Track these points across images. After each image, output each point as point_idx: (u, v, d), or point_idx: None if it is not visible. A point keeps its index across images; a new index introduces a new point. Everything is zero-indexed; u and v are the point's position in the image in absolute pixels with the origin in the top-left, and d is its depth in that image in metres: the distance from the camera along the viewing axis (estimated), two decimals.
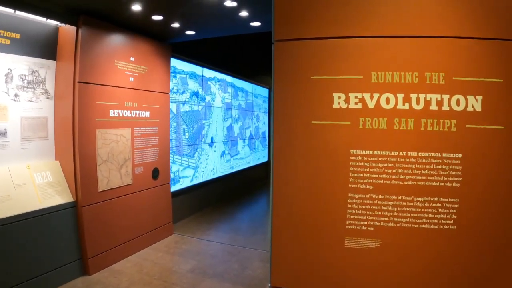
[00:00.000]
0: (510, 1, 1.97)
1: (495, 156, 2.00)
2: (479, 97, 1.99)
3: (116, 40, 4.67)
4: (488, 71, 1.99)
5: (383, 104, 2.10)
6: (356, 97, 2.13)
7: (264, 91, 11.13)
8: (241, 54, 8.02)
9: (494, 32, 1.99)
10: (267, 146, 11.54)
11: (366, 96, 2.12)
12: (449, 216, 2.04)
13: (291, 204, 2.26)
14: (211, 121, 7.78)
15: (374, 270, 2.16)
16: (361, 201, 2.15)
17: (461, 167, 2.02)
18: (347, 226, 2.18)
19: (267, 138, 11.54)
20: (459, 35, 2.01)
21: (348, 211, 2.17)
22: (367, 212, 2.15)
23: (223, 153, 8.40)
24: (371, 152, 2.12)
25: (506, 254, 2.03)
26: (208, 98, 7.58)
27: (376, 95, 2.11)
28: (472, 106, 2.00)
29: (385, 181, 2.11)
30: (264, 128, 11.27)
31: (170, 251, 5.17)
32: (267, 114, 11.54)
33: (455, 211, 2.04)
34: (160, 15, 4.35)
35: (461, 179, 2.02)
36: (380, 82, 2.10)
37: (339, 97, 2.15)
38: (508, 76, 1.98)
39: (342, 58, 2.15)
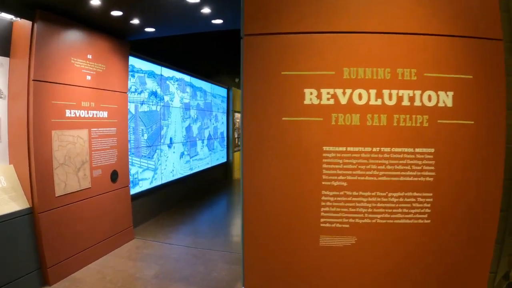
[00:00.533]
0: None
1: (466, 150, 2.05)
2: (450, 93, 2.03)
3: (73, 37, 4.43)
4: (459, 68, 2.03)
5: (355, 100, 2.09)
6: (328, 93, 2.11)
7: (222, 91, 11.05)
8: (201, 53, 7.91)
9: (463, 29, 2.03)
10: (225, 147, 11.47)
11: (339, 92, 2.10)
12: (423, 210, 2.07)
13: (263, 204, 2.20)
14: (170, 121, 7.60)
15: (350, 268, 2.15)
16: (335, 198, 2.13)
17: (434, 162, 2.05)
18: (321, 224, 2.15)
19: (225, 139, 11.46)
20: (430, 32, 2.04)
21: (322, 209, 2.14)
22: (342, 209, 2.13)
23: (182, 154, 8.25)
24: (344, 149, 2.11)
25: (479, 246, 2.08)
26: (166, 98, 7.42)
27: (348, 91, 2.09)
28: (444, 102, 2.03)
29: (359, 178, 2.10)
30: (222, 128, 11.18)
31: (132, 257, 4.99)
32: (226, 114, 11.46)
33: (429, 205, 2.06)
34: (120, 10, 4.19)
35: (434, 173, 2.05)
36: (352, 78, 2.09)
37: (311, 93, 2.12)
38: (477, 72, 2.03)
39: (314, 53, 2.11)
